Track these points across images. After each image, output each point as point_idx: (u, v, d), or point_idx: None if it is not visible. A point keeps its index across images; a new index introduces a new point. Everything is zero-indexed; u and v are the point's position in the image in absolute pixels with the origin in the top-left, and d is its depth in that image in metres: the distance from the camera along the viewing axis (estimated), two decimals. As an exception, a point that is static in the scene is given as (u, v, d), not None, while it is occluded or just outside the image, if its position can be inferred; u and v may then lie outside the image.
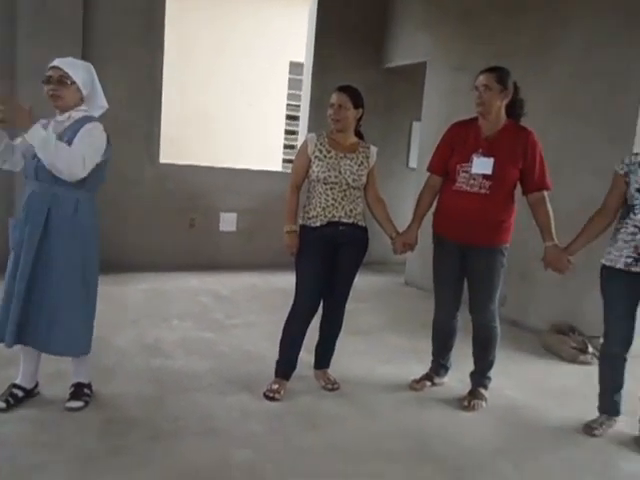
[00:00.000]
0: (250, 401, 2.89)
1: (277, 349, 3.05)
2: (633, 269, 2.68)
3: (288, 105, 9.22)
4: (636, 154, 2.77)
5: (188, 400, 2.84)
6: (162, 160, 5.66)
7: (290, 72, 9.01)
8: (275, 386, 2.97)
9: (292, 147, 8.86)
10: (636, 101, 3.81)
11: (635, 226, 2.68)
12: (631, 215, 2.70)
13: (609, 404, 2.89)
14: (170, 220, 5.69)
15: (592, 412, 2.92)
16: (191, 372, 3.19)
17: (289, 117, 9.24)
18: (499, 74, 2.87)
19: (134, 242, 5.48)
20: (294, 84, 8.75)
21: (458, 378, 3.29)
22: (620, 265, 2.71)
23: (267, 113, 8.90)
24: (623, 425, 2.88)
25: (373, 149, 3.03)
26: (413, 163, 6.53)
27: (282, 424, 2.69)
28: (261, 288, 5.30)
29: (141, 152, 5.47)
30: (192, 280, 5.31)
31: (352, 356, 3.59)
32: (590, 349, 3.88)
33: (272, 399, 2.90)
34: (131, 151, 5.34)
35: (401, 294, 5.64)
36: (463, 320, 3.16)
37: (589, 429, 2.84)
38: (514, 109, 2.95)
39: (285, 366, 3.03)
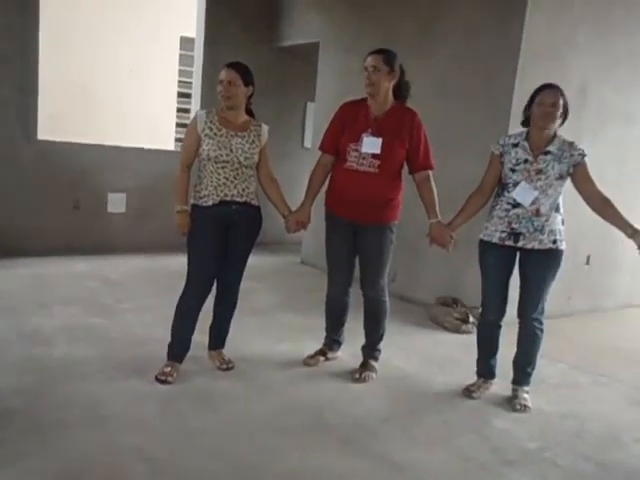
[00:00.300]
0: (142, 386, 2.80)
1: (170, 332, 2.98)
2: (507, 243, 2.89)
3: (180, 82, 8.91)
4: (509, 136, 2.97)
5: (73, 388, 2.70)
6: (40, 137, 5.27)
7: (181, 47, 8.70)
8: (167, 369, 2.90)
9: (185, 125, 8.61)
10: (510, 85, 4.09)
11: (509, 203, 2.88)
12: (505, 193, 2.90)
13: (485, 368, 3.12)
14: (51, 201, 5.33)
15: (471, 377, 3.15)
16: (76, 359, 3.03)
17: (181, 95, 8.94)
18: (386, 56, 2.95)
19: (10, 225, 5.08)
20: (186, 60, 8.47)
21: (351, 352, 3.39)
22: (495, 240, 2.91)
23: (158, 90, 8.55)
24: (497, 387, 3.13)
25: (264, 127, 3.01)
26: (308, 143, 6.59)
27: (175, 407, 2.64)
28: (153, 271, 5.13)
29: (15, 128, 5.06)
30: (78, 264, 5.03)
31: (247, 335, 3.59)
32: (471, 319, 4.16)
33: (164, 382, 2.84)
34: (3, 127, 4.92)
35: (296, 273, 5.70)
36: (354, 295, 3.26)
37: (468, 392, 3.06)
38: (400, 91, 3.05)
39: (177, 348, 2.96)
